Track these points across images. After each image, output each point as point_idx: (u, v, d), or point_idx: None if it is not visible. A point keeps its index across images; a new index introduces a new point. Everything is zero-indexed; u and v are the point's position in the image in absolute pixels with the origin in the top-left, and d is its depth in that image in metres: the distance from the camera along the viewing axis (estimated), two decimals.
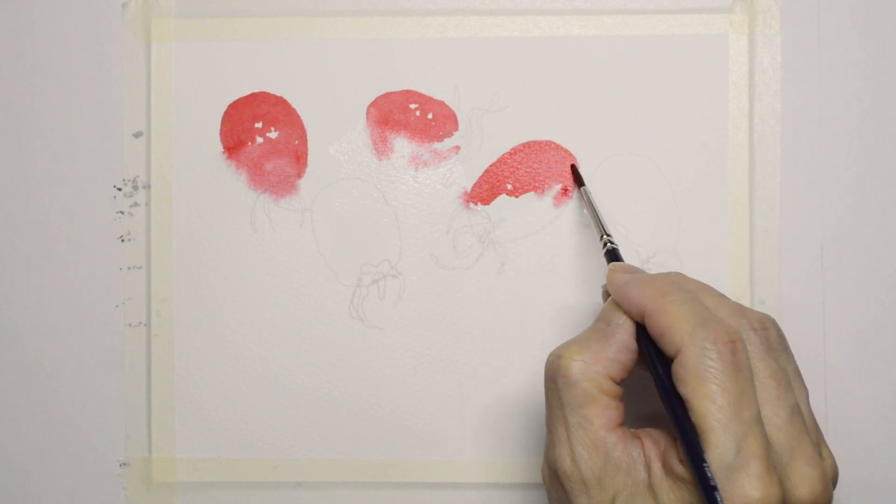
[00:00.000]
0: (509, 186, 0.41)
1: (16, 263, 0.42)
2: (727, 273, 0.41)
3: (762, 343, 0.30)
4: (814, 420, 0.31)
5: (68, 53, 0.42)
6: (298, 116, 0.42)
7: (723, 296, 0.32)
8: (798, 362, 0.41)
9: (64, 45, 0.42)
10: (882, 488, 0.41)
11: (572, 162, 0.41)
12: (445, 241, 0.41)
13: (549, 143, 0.41)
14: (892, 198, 0.41)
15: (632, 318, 0.31)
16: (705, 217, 0.41)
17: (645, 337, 0.31)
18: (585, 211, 0.40)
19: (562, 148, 0.41)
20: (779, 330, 0.32)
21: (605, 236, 0.37)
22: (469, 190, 0.42)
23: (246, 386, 0.42)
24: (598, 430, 0.30)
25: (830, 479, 0.29)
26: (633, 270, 0.34)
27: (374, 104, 0.42)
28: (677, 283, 0.31)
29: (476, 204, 0.42)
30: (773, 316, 0.41)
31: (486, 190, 0.41)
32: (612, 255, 0.36)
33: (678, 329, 0.29)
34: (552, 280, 0.41)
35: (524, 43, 0.41)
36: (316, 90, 0.42)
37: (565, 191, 0.41)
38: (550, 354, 0.32)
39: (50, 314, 0.42)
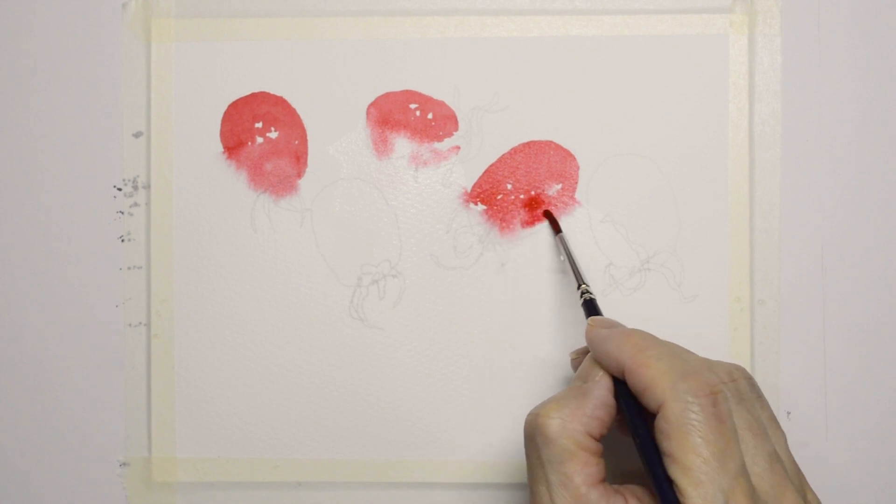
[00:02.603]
0: (509, 186, 0.41)
1: (16, 263, 0.42)
2: (727, 273, 0.41)
3: (733, 395, 0.31)
4: (794, 464, 0.31)
5: (68, 53, 0.42)
6: (298, 116, 0.42)
7: (690, 352, 0.32)
8: (798, 362, 0.41)
9: (64, 45, 0.42)
10: (882, 488, 0.41)
11: (573, 165, 0.41)
12: (445, 241, 0.41)
13: (549, 143, 0.41)
14: (892, 198, 0.41)
15: (611, 373, 0.32)
16: (705, 217, 0.41)
17: (624, 393, 0.31)
18: (562, 258, 0.40)
19: (562, 148, 0.41)
20: (749, 379, 0.32)
21: (582, 286, 0.37)
22: (469, 190, 0.42)
23: (246, 386, 0.42)
24: (579, 487, 0.30)
25: None
26: (611, 325, 0.34)
27: (374, 104, 0.42)
28: (653, 337, 0.32)
29: (476, 204, 0.42)
30: (774, 316, 0.41)
31: (486, 190, 0.41)
32: (590, 306, 0.36)
33: (659, 383, 0.29)
34: (552, 280, 0.41)
35: (524, 43, 0.41)
36: (316, 90, 0.42)
37: (565, 191, 0.41)
38: (529, 414, 0.32)
39: (50, 314, 0.42)
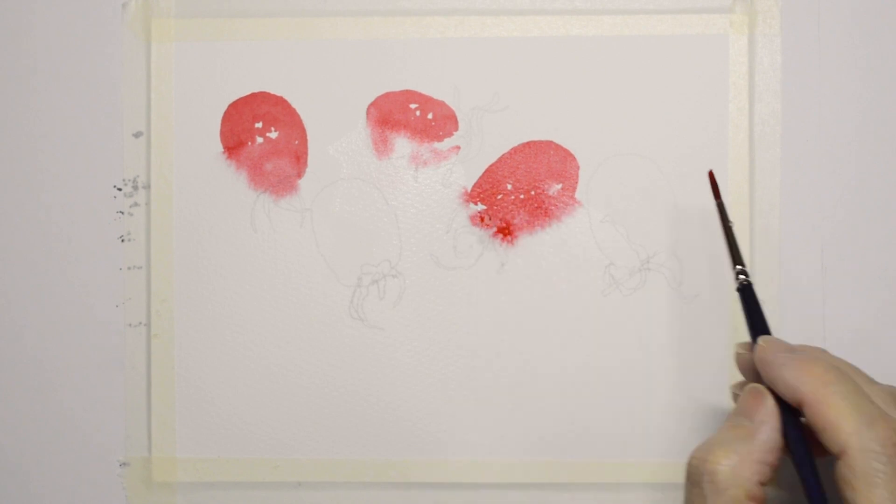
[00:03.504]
0: (509, 186, 0.41)
1: (16, 263, 0.42)
2: (727, 273, 0.41)
3: None
4: None
5: (68, 53, 0.42)
6: (298, 116, 0.42)
7: (871, 379, 0.31)
8: None
9: (64, 45, 0.42)
10: None
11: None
12: (445, 241, 0.41)
13: (549, 143, 0.41)
14: (892, 198, 0.41)
15: (785, 400, 0.30)
16: (705, 217, 0.41)
17: (793, 428, 0.30)
18: (724, 226, 0.36)
19: (562, 148, 0.41)
20: None
21: (737, 266, 0.35)
22: (469, 190, 0.42)
23: (246, 386, 0.42)
24: None
25: None
26: (787, 349, 0.32)
27: (374, 104, 0.42)
28: (836, 367, 0.30)
29: (476, 204, 0.42)
30: (774, 316, 0.41)
31: (486, 190, 0.41)
32: (746, 292, 0.34)
33: (844, 427, 0.28)
34: (552, 280, 0.41)
35: (524, 43, 0.41)
36: (316, 90, 0.42)
37: (565, 191, 0.41)
38: (692, 458, 0.30)
39: (50, 314, 0.42)
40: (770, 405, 0.31)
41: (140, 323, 0.42)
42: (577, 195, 0.41)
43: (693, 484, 0.30)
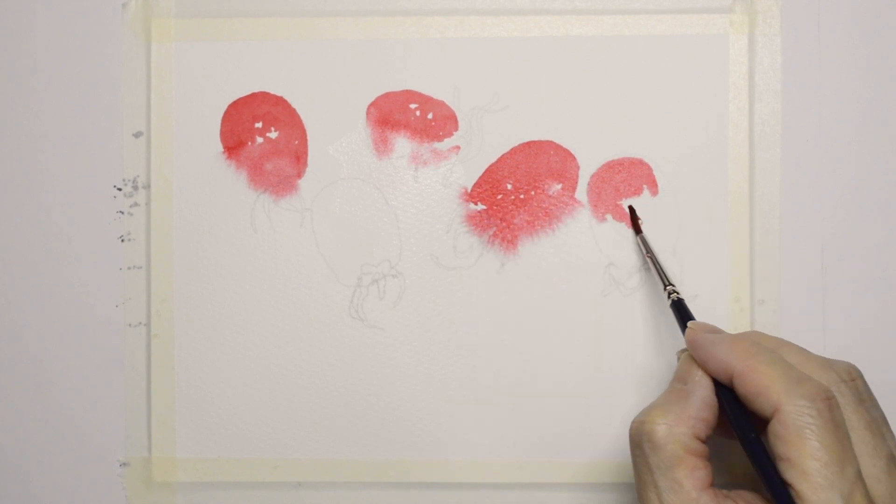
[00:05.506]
0: (509, 186, 0.41)
1: (16, 263, 0.42)
2: (727, 273, 0.41)
3: (853, 395, 0.31)
4: None
5: (68, 53, 0.42)
6: (298, 116, 0.42)
7: (804, 350, 0.32)
8: None
9: (64, 45, 0.42)
10: None
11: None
12: (445, 241, 0.41)
13: (549, 143, 0.41)
14: (892, 198, 0.41)
15: (718, 378, 0.31)
16: (705, 217, 0.41)
17: (729, 398, 0.31)
18: (647, 257, 0.40)
19: (562, 148, 0.41)
20: (863, 378, 0.32)
21: (668, 286, 0.37)
22: (469, 190, 0.42)
23: (246, 386, 0.42)
24: (689, 492, 0.30)
25: None
26: (714, 329, 0.34)
27: (374, 104, 0.42)
28: (760, 343, 0.31)
29: (476, 204, 0.42)
30: (774, 316, 0.41)
31: (486, 190, 0.41)
32: (679, 306, 0.36)
33: (774, 388, 0.29)
34: (552, 280, 0.41)
35: (524, 43, 0.41)
36: (316, 90, 0.42)
37: (565, 191, 0.41)
38: (633, 421, 0.32)
39: (50, 314, 0.42)
40: (702, 371, 0.32)
41: (140, 323, 0.42)
42: (577, 195, 0.41)
43: (636, 445, 0.31)
